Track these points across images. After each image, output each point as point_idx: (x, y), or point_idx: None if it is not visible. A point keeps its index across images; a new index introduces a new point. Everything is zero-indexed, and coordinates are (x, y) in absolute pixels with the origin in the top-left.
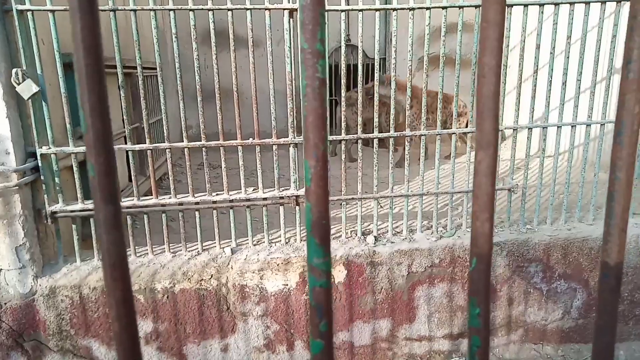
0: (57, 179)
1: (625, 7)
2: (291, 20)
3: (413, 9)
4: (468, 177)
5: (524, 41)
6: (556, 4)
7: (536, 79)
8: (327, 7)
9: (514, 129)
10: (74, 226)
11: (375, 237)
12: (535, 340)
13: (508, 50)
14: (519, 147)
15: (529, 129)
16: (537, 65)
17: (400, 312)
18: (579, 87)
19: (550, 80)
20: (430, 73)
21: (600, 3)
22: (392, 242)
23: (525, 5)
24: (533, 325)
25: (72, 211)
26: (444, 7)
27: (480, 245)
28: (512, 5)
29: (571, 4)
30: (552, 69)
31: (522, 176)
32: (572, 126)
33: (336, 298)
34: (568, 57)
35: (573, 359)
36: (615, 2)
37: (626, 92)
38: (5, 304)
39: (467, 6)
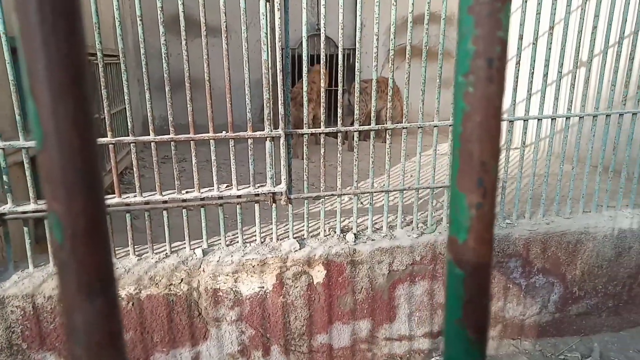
0: (5, 177)
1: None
2: (267, 4)
3: None
4: (450, 170)
5: None
6: None
7: (518, 70)
8: None
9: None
10: (25, 229)
11: (355, 234)
12: (513, 335)
13: None
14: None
15: (509, 121)
16: (520, 57)
17: (380, 312)
18: (560, 79)
19: (532, 72)
20: (399, 65)
21: None
22: (372, 240)
23: None
24: (512, 320)
25: (23, 212)
26: None
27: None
28: None
29: None
30: (534, 60)
31: (500, 169)
32: (551, 119)
33: (315, 299)
34: (536, 49)
35: (550, 353)
36: None
37: None
38: None
39: None
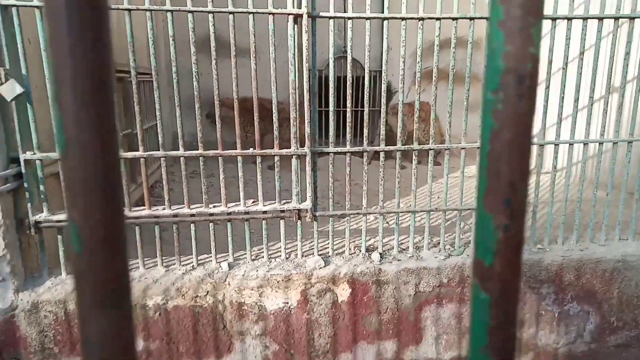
0: (41, 187)
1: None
2: (295, 26)
3: (422, 19)
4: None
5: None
6: (569, 19)
7: (548, 94)
8: (330, 14)
9: None
10: (59, 237)
11: (380, 254)
12: None
13: None
14: None
15: (539, 145)
16: (549, 81)
17: (406, 333)
18: (592, 104)
19: (563, 97)
20: (425, 87)
21: (613, 20)
22: (398, 260)
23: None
24: (544, 348)
25: (57, 221)
26: (454, 18)
27: None
28: None
29: (584, 19)
30: (564, 85)
31: (531, 193)
32: (584, 144)
33: (339, 317)
34: (566, 74)
35: None
36: (628, 20)
37: None
38: None
39: (479, 18)
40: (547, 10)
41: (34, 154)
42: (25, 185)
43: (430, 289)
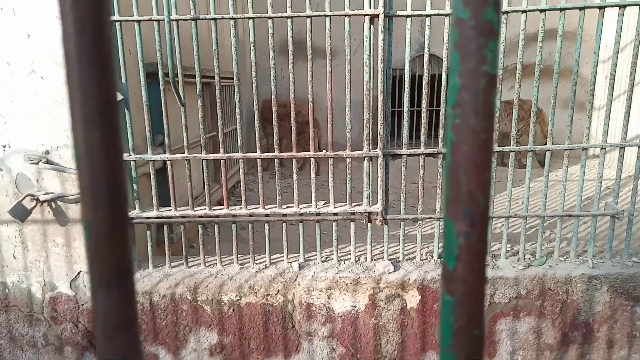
0: (135, 186)
1: None
2: (372, 27)
3: (507, 12)
4: (563, 198)
5: (619, 51)
6: None
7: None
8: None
9: (602, 148)
10: (148, 232)
11: None
12: None
13: (598, 58)
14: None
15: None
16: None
17: None
18: None
19: None
20: (512, 85)
21: None
22: None
23: (622, 7)
24: None
25: (147, 218)
26: (542, 10)
27: None
28: (624, 5)
29: None
30: None
31: (624, 201)
32: None
33: (408, 324)
34: None
35: None
36: None
37: None
38: (82, 305)
39: (570, 8)
40: None
41: (130, 155)
42: None
43: (507, 300)
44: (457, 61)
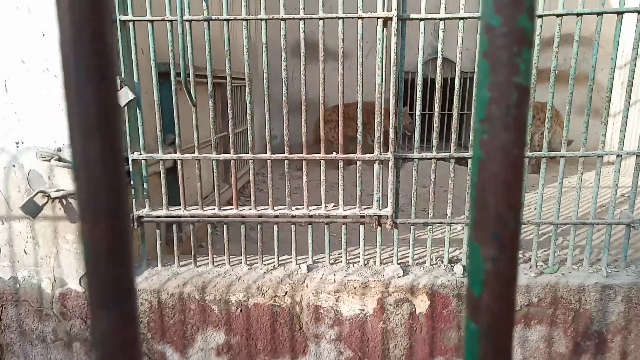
0: (145, 185)
1: None
2: (385, 29)
3: (541, 16)
4: (577, 205)
5: (637, 57)
6: None
7: None
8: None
9: (617, 155)
10: (157, 231)
11: (464, 266)
12: None
13: (615, 64)
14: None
15: None
16: None
17: None
18: None
19: None
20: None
21: None
22: None
23: None
24: None
25: (157, 216)
26: (558, 15)
27: None
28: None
29: None
30: None
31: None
32: None
33: (416, 330)
34: None
35: None
36: None
37: None
38: None
39: (587, 13)
40: None
41: (141, 154)
42: (132, 182)
43: (518, 308)
44: (486, 72)
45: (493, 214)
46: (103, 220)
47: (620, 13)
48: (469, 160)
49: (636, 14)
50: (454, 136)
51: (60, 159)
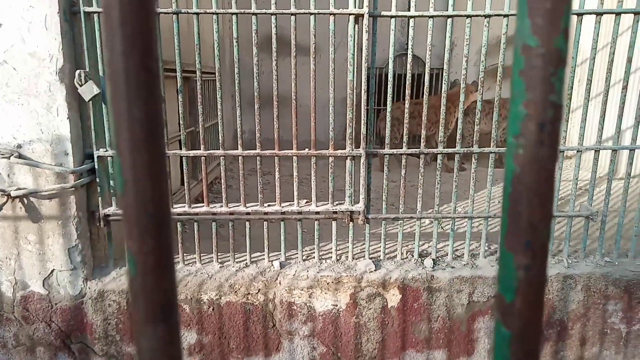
0: (112, 182)
1: None
2: (356, 26)
3: (489, 16)
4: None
5: (594, 57)
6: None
7: (625, 95)
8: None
9: (577, 150)
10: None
11: (433, 260)
12: None
13: (575, 63)
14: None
15: (613, 150)
16: (627, 81)
17: (457, 344)
18: None
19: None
20: (490, 86)
21: None
22: (452, 267)
23: (599, 14)
24: None
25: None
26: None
27: None
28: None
29: None
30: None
31: (597, 201)
32: None
33: (388, 323)
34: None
35: None
36: None
37: None
38: (55, 304)
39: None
40: (630, 4)
41: (107, 150)
42: (97, 180)
43: (485, 299)
44: (521, 89)
45: (526, 224)
46: (151, 236)
47: (580, 15)
48: (438, 156)
49: (594, 15)
50: (423, 132)
51: (20, 156)
